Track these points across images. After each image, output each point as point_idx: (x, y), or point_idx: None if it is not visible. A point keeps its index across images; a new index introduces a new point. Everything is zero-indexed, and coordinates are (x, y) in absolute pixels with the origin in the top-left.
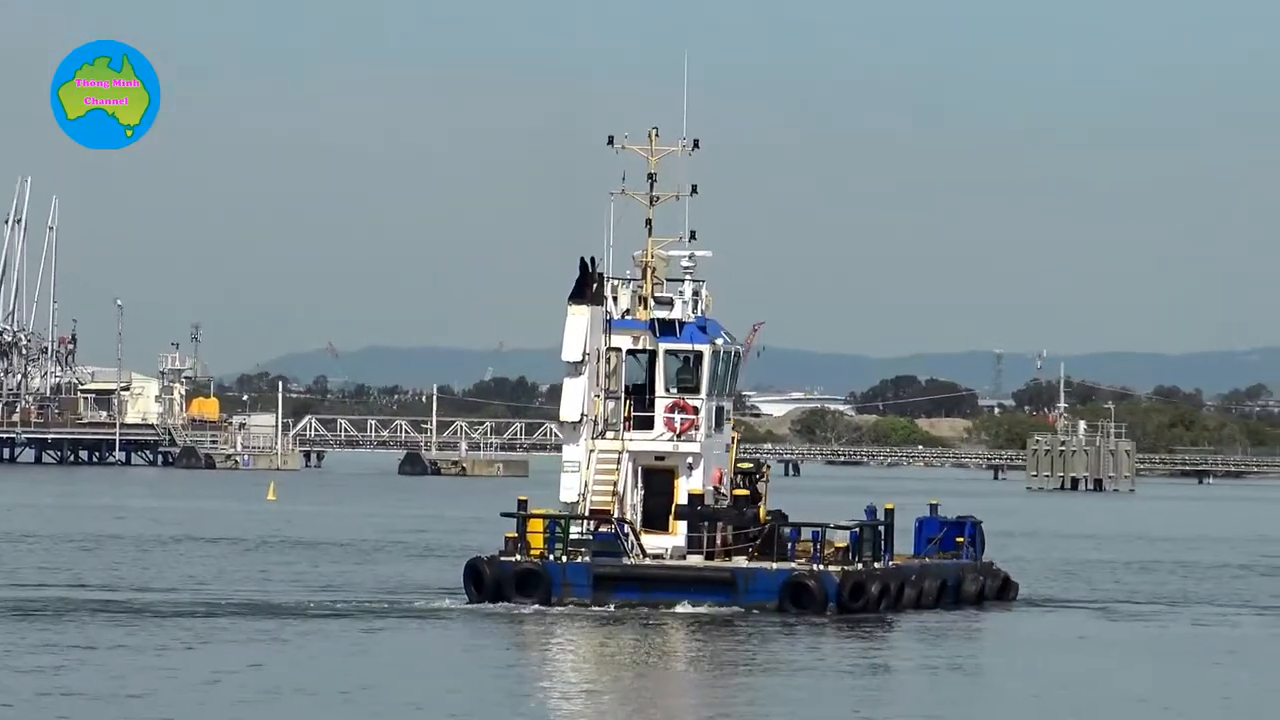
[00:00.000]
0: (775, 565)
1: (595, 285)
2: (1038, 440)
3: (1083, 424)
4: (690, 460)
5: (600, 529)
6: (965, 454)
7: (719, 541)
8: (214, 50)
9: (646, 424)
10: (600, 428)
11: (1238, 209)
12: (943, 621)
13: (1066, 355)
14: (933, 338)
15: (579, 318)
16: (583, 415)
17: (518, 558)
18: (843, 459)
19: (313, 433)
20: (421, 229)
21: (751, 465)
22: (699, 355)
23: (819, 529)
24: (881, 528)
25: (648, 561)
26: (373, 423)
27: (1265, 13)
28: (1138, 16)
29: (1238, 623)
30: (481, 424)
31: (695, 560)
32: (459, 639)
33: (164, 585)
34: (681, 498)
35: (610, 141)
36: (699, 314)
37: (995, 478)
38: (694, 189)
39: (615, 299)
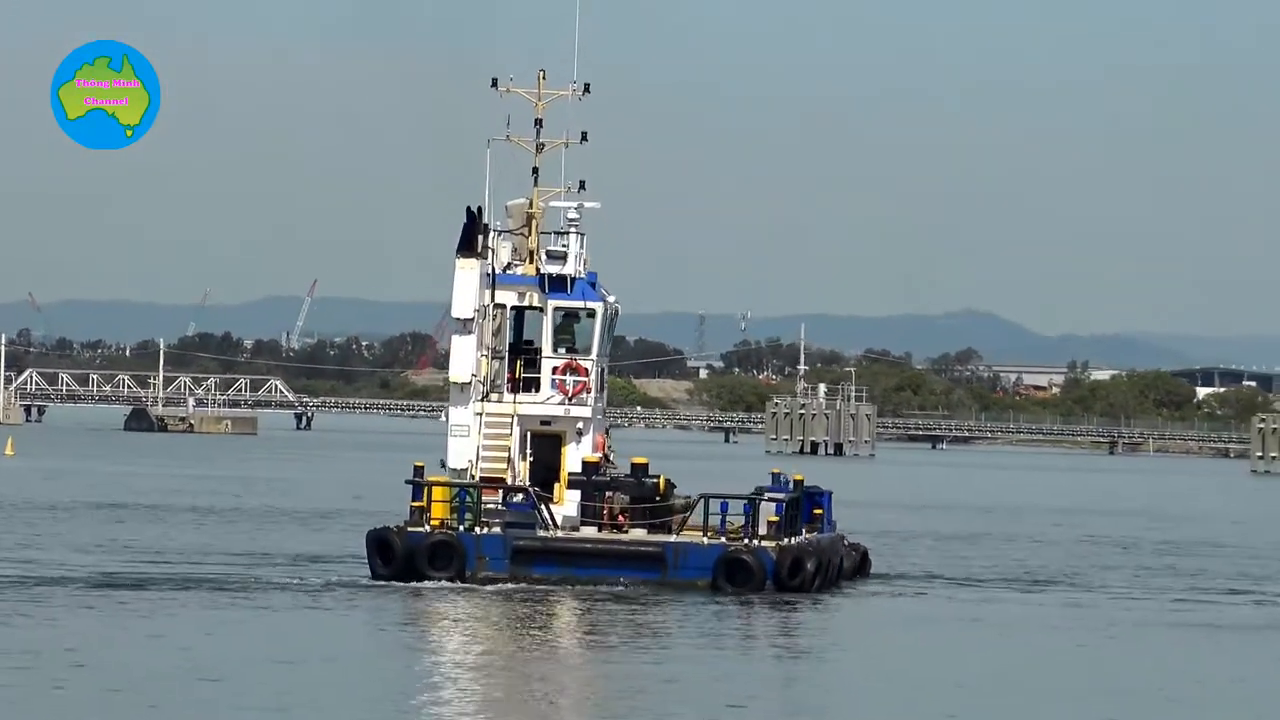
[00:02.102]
0: (707, 540)
1: (482, 237)
2: (777, 403)
3: (823, 387)
4: (580, 426)
5: (513, 498)
6: (688, 416)
7: (607, 513)
8: None
9: (530, 386)
10: (485, 389)
11: (928, 174)
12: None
13: (766, 318)
14: (630, 297)
15: (469, 271)
16: (473, 376)
17: (428, 528)
18: None
19: (33, 387)
20: (125, 175)
21: None
22: (591, 313)
23: (750, 501)
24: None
25: (569, 534)
26: (95, 377)
27: None
28: None
29: (1112, 599)
30: (206, 379)
31: (589, 531)
32: (375, 617)
33: None
34: (571, 465)
35: (494, 84)
36: (586, 269)
37: (727, 440)
38: (584, 136)
39: (495, 252)
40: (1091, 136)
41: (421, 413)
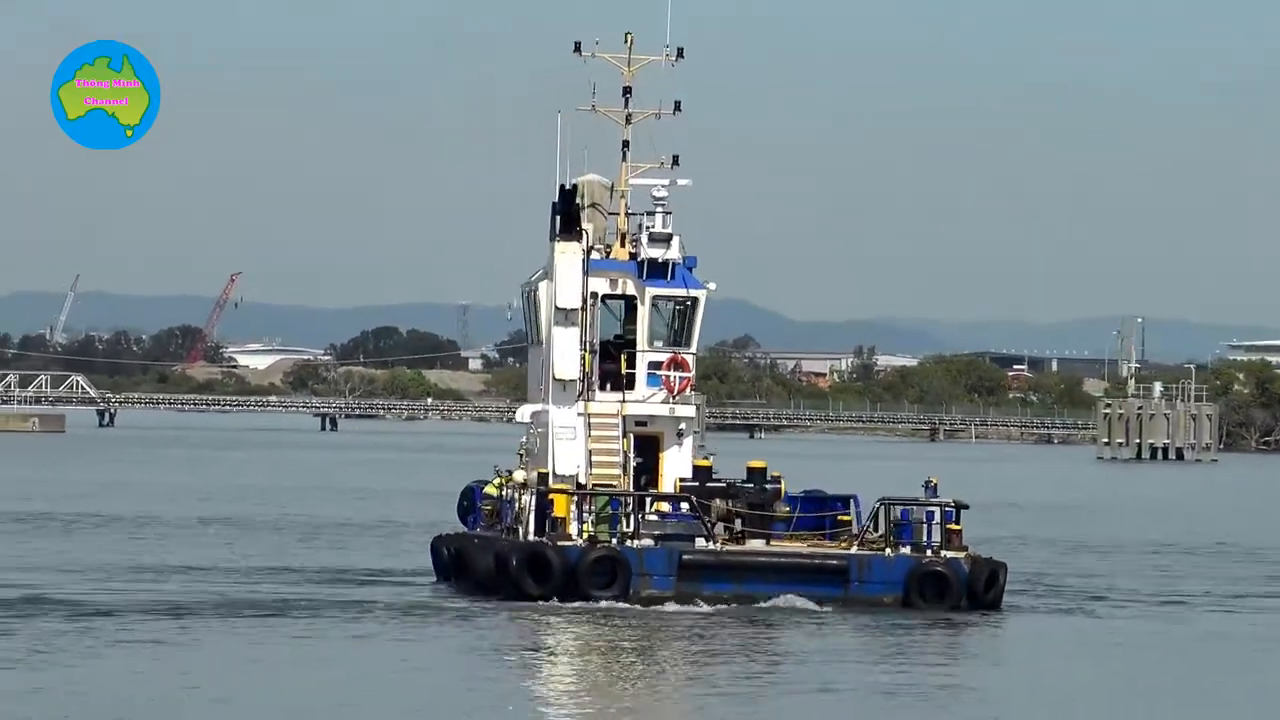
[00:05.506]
0: (893, 553)
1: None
2: None
3: None
4: (682, 426)
5: (673, 508)
6: (480, 408)
7: (713, 521)
8: None
9: (623, 383)
10: (581, 387)
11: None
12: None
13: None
14: (387, 289)
15: (571, 256)
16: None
17: (581, 541)
18: (357, 412)
19: None
20: None
21: None
22: (694, 302)
23: (932, 509)
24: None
25: (743, 547)
26: None
27: None
28: None
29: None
30: (5, 375)
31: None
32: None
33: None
34: (672, 469)
35: (577, 49)
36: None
37: None
38: (677, 105)
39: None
40: (791, 130)
41: (230, 407)
